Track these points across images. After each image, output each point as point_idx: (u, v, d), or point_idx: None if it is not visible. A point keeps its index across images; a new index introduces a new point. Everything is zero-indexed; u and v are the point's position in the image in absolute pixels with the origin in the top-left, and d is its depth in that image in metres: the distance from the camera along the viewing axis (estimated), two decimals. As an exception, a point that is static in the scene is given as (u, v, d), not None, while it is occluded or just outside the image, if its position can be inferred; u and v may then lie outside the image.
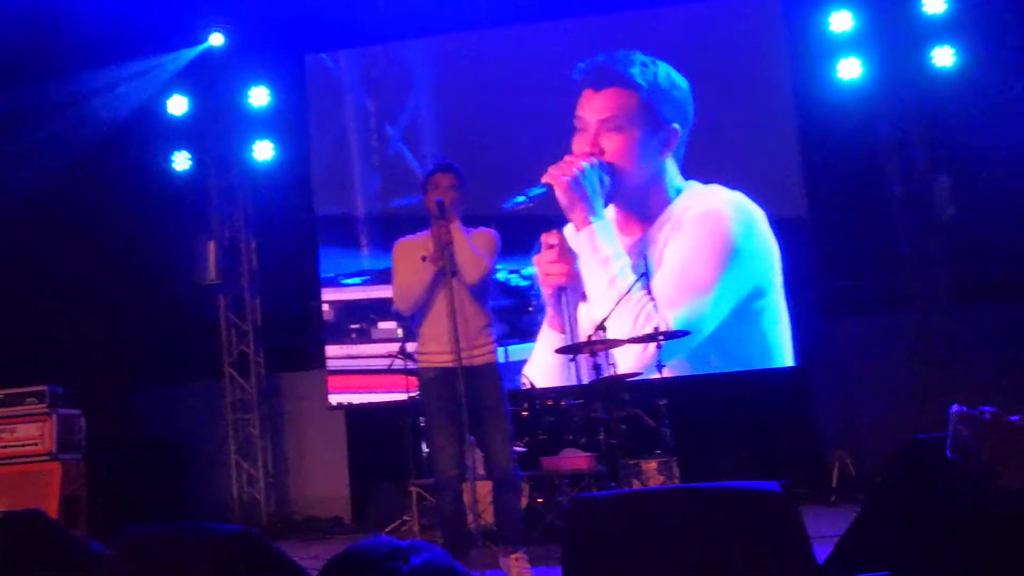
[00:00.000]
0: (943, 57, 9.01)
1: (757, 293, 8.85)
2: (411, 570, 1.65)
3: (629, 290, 7.76)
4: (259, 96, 10.18)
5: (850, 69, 9.24)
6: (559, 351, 7.60)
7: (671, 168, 9.05)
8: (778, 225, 8.98)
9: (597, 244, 8.86)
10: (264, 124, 10.25)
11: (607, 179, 8.89)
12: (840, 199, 9.19)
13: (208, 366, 10.20)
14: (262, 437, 10.16)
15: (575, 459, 7.47)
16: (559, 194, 8.78)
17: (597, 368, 7.07)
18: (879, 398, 8.79)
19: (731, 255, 8.84)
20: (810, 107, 9.21)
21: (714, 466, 8.13)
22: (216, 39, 10.08)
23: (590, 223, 8.85)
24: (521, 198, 8.34)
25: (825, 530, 4.48)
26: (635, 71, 9.10)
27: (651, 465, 7.67)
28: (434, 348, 5.65)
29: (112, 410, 9.44)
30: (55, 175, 9.32)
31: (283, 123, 10.27)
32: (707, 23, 9.49)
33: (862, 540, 3.30)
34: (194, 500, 9.93)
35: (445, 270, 5.52)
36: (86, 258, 9.76)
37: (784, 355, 8.88)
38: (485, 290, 5.76)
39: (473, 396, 5.43)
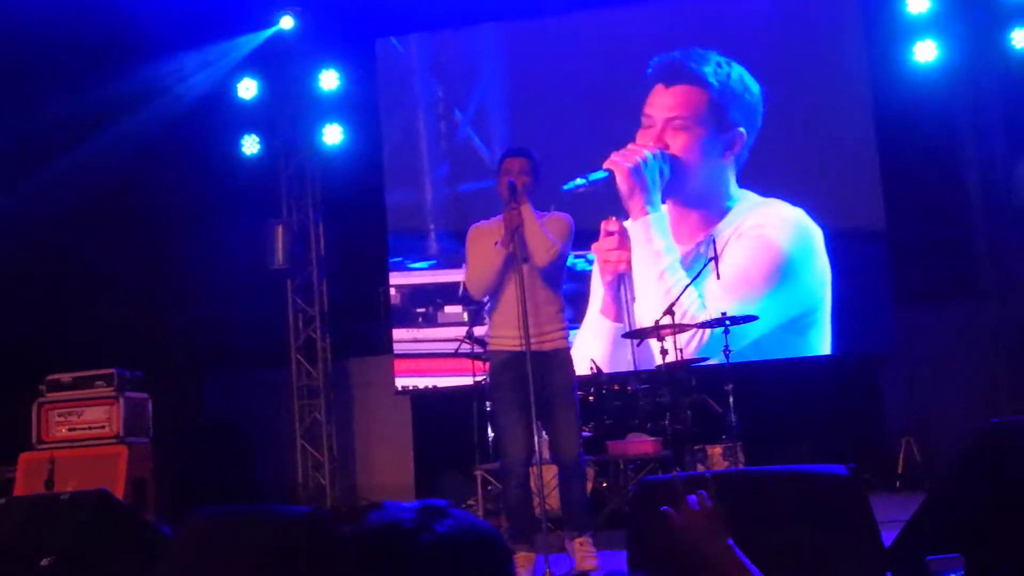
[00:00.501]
0: (1025, 39, 8.59)
1: (806, 313, 8.81)
2: (437, 539, 1.57)
3: (699, 273, 7.73)
4: (329, 80, 10.16)
5: (926, 52, 8.88)
6: (626, 335, 7.63)
7: (731, 173, 9.00)
8: (851, 212, 8.87)
9: (651, 235, 8.88)
10: (334, 108, 10.21)
11: (667, 171, 8.91)
12: (915, 185, 9.00)
13: (275, 351, 10.24)
14: (328, 422, 10.18)
15: (641, 443, 7.44)
16: (619, 181, 8.81)
17: (664, 354, 7.04)
18: (949, 387, 8.64)
19: (786, 278, 8.81)
20: (884, 91, 8.99)
21: (779, 452, 8.07)
22: (287, 22, 10.07)
23: (647, 213, 8.85)
24: (580, 181, 8.37)
25: (890, 515, 4.43)
26: (708, 69, 9.07)
27: (716, 450, 7.64)
28: (505, 333, 5.60)
29: (180, 394, 9.51)
30: (127, 160, 9.42)
31: (353, 107, 10.23)
32: (779, 4, 9.42)
33: (931, 524, 3.24)
34: (260, 485, 10.01)
35: (516, 254, 5.48)
36: (155, 243, 9.87)
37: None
38: (557, 275, 5.69)
39: (542, 381, 5.38)
